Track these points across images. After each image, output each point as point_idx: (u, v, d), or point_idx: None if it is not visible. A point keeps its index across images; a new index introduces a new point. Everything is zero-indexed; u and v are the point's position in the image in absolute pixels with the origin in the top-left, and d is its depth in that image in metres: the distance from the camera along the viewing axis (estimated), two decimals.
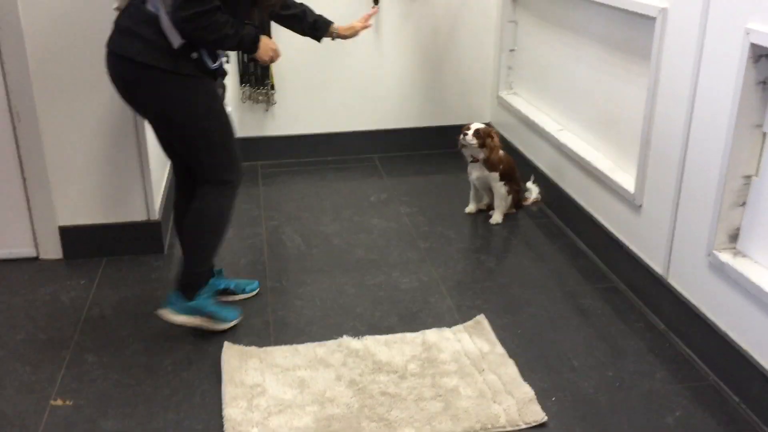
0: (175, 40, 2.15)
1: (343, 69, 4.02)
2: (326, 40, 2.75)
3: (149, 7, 2.18)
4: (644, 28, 2.64)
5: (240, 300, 2.73)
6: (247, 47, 2.28)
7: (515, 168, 3.47)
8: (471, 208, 3.46)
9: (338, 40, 2.82)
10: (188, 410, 2.18)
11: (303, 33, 2.69)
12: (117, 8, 2.33)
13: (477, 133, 3.21)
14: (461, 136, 3.23)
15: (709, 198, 2.29)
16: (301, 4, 2.67)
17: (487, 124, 3.51)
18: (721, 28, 2.20)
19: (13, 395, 2.24)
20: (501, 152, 3.35)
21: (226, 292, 2.69)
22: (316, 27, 2.67)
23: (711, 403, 2.22)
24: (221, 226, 2.44)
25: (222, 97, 2.36)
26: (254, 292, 2.77)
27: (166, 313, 2.44)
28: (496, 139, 3.28)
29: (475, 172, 3.34)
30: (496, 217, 3.37)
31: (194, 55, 2.19)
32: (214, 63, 2.25)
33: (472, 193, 3.46)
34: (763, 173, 2.16)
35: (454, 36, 4.09)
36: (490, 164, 3.27)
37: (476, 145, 3.22)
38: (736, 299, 2.21)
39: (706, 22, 2.26)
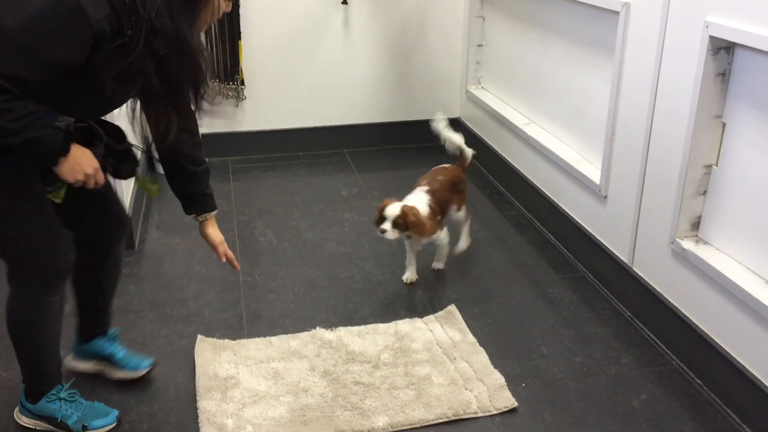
0: None
1: (313, 64, 4.03)
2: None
3: None
4: (608, 23, 2.70)
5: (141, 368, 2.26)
6: (41, 156, 1.67)
7: (458, 190, 2.97)
8: (411, 276, 2.87)
9: None
10: (163, 403, 2.18)
11: (175, 192, 2.09)
12: None
13: (396, 224, 2.65)
14: (379, 230, 2.69)
15: (671, 187, 2.36)
16: (203, 164, 2.09)
17: (456, 119, 3.50)
18: (681, 22, 2.26)
19: None
20: (429, 200, 2.79)
21: (109, 361, 2.24)
22: (191, 199, 2.11)
23: (675, 386, 2.29)
24: (25, 340, 1.95)
25: (52, 182, 1.76)
26: (139, 372, 2.25)
27: (16, 413, 2.09)
28: (417, 212, 2.68)
29: (416, 245, 2.86)
30: (439, 264, 2.96)
31: None
32: None
33: (408, 258, 2.88)
34: (722, 163, 2.23)
35: (423, 31, 4.13)
36: (425, 234, 2.73)
37: (401, 234, 2.71)
38: (699, 285, 2.28)
39: (667, 15, 2.32)
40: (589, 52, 2.93)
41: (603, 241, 2.81)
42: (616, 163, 2.70)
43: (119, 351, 2.24)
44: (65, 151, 1.68)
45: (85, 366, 2.26)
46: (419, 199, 2.78)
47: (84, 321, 2.22)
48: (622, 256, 2.68)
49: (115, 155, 1.88)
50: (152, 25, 1.59)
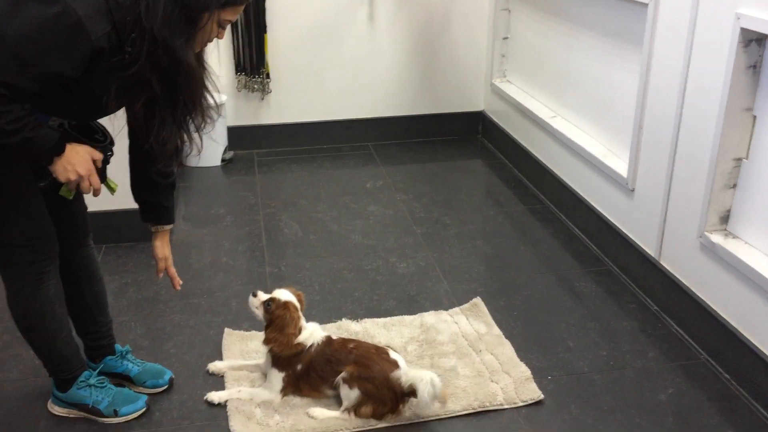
0: None
1: (338, 57, 4.05)
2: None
3: None
4: (637, 15, 2.68)
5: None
6: (37, 154, 1.71)
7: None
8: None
9: None
10: (192, 391, 2.21)
11: (135, 197, 2.08)
12: None
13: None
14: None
15: (700, 181, 2.34)
16: (171, 176, 2.05)
17: (481, 112, 3.48)
18: (712, 14, 2.24)
19: (18, 379, 2.28)
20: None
21: (125, 378, 2.21)
22: (148, 207, 2.08)
23: (702, 380, 2.28)
24: (30, 328, 1.98)
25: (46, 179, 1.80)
26: (158, 389, 2.21)
27: (49, 404, 2.13)
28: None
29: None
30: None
31: None
32: None
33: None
34: (753, 156, 2.21)
35: (448, 24, 4.12)
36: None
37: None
38: (727, 279, 2.26)
39: (697, 7, 2.30)
40: (617, 44, 2.91)
41: (630, 235, 2.80)
42: (643, 156, 2.68)
43: (133, 368, 2.22)
44: (59, 151, 1.73)
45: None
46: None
47: (83, 339, 2.19)
48: (649, 249, 2.67)
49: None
50: (153, 36, 1.61)
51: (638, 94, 2.66)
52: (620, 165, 2.87)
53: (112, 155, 1.90)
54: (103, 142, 1.87)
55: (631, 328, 2.54)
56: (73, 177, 1.76)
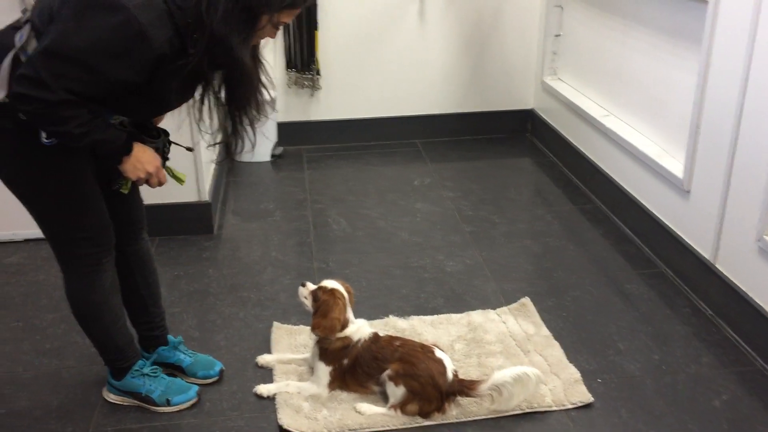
0: (0, 91, 1.68)
1: (387, 54, 4.05)
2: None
3: (16, 35, 1.71)
4: (695, 13, 2.62)
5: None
6: (107, 154, 1.79)
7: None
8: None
9: None
10: (242, 383, 2.25)
11: None
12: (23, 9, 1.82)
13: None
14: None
15: (760, 183, 2.27)
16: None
17: (530, 110, 3.46)
18: None
19: (74, 366, 2.34)
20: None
21: (176, 368, 2.26)
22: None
23: (758, 387, 2.22)
24: (88, 318, 2.03)
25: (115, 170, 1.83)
26: (209, 380, 2.25)
27: (104, 391, 2.19)
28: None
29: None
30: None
31: (22, 116, 1.67)
32: (48, 139, 1.73)
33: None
34: None
35: (498, 21, 4.09)
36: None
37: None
38: None
39: (759, 5, 2.23)
40: (674, 42, 2.85)
41: (684, 237, 2.74)
42: (700, 156, 2.62)
43: (185, 358, 2.26)
44: (128, 151, 1.79)
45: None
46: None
47: (137, 329, 2.23)
48: (705, 252, 2.61)
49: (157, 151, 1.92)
50: (212, 32, 1.63)
51: (696, 93, 2.60)
52: (675, 165, 2.80)
53: (170, 146, 1.95)
54: (156, 138, 1.90)
55: (685, 332, 2.49)
56: (142, 175, 1.83)
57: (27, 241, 3.06)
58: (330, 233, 3.21)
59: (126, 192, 1.95)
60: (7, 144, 1.78)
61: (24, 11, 1.76)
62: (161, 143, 1.92)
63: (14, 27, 1.75)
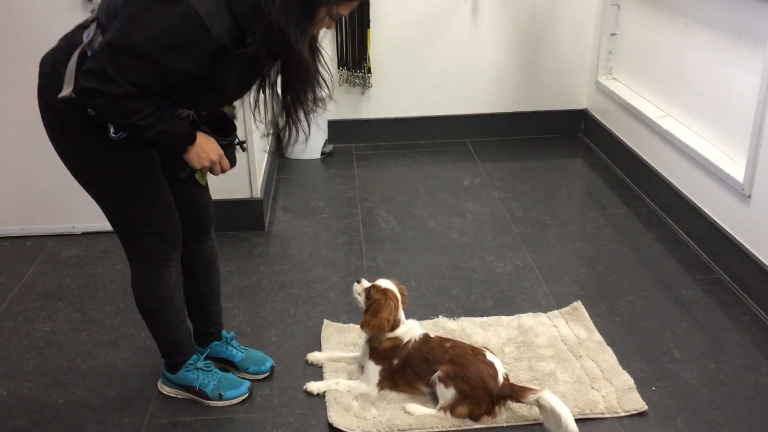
0: (66, 87, 1.71)
1: (439, 53, 4.03)
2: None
3: (84, 33, 1.76)
4: (759, 13, 2.54)
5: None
6: (172, 145, 1.81)
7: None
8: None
9: None
10: (292, 380, 2.27)
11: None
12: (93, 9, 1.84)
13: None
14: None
15: None
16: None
17: (584, 110, 3.39)
18: None
19: (130, 358, 2.40)
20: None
21: (228, 363, 2.29)
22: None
23: None
24: (151, 311, 2.08)
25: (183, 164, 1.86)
26: (260, 375, 2.27)
27: (159, 384, 2.24)
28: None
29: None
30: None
31: (91, 111, 1.70)
32: (117, 133, 1.77)
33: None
34: None
35: (553, 19, 4.03)
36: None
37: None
38: None
39: None
40: (736, 42, 2.77)
41: (744, 243, 2.66)
42: (762, 160, 2.54)
43: (237, 354, 2.29)
44: (192, 140, 1.82)
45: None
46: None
47: (193, 323, 2.26)
48: (766, 259, 2.53)
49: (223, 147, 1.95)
50: (270, 22, 1.64)
51: (759, 95, 2.52)
52: (736, 169, 2.73)
53: (235, 134, 1.97)
54: (228, 135, 1.93)
55: (743, 341, 2.42)
56: (206, 163, 1.86)
57: (85, 234, 3.14)
58: (379, 232, 3.21)
59: (203, 183, 2.00)
60: (74, 139, 1.83)
61: (93, 11, 1.81)
62: (231, 140, 1.95)
63: (82, 26, 1.80)
